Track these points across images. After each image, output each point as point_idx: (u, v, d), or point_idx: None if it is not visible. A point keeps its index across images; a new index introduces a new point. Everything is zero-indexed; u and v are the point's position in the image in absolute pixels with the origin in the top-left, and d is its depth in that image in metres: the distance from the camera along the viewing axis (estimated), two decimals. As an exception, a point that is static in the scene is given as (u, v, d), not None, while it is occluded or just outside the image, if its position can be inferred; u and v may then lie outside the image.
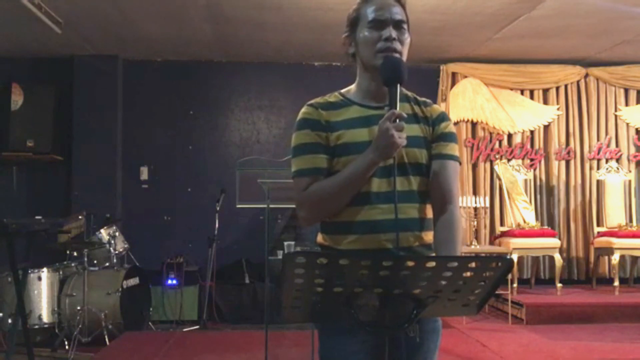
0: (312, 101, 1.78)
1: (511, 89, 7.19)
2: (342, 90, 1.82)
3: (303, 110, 1.77)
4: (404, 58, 1.71)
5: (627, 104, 7.30)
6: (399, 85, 1.62)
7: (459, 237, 1.72)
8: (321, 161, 1.70)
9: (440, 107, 1.84)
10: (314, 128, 1.72)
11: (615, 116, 7.26)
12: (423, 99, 1.83)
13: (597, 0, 5.28)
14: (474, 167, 7.16)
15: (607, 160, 7.15)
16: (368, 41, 1.71)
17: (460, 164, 1.80)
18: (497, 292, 5.76)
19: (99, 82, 6.77)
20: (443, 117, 1.80)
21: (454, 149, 1.77)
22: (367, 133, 1.68)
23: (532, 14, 5.57)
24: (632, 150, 7.25)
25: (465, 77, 7.14)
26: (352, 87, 1.81)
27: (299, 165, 1.72)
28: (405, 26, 1.73)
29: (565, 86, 7.23)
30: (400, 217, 1.62)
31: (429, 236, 1.73)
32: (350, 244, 1.67)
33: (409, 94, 1.80)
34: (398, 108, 1.58)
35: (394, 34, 1.69)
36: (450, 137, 1.77)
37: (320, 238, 1.77)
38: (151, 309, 5.96)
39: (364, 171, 1.62)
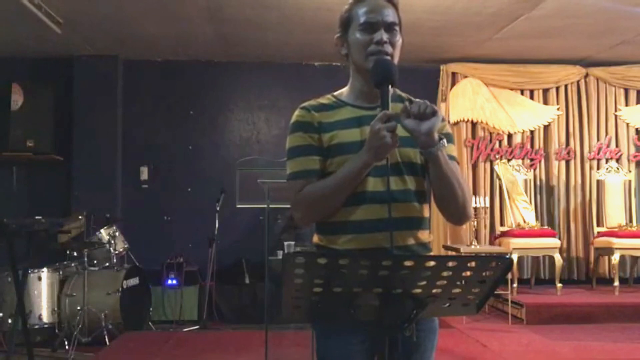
0: (305, 104, 1.79)
1: (511, 89, 7.19)
2: (335, 92, 1.83)
3: (296, 113, 1.78)
4: (396, 60, 1.71)
5: (627, 104, 7.30)
6: (390, 87, 1.62)
7: (466, 193, 1.69)
8: (314, 163, 1.71)
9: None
10: (307, 130, 1.73)
11: (615, 116, 7.26)
12: (417, 100, 1.83)
13: (597, 0, 5.28)
14: (474, 167, 7.15)
15: (607, 160, 7.15)
16: (359, 44, 1.71)
17: (458, 163, 1.80)
18: (497, 292, 5.77)
19: (98, 82, 6.77)
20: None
21: (452, 150, 1.77)
22: (359, 133, 1.68)
23: (532, 14, 5.57)
24: (632, 150, 7.25)
25: (465, 77, 7.14)
26: (345, 88, 1.82)
27: (293, 168, 1.73)
28: (397, 28, 1.73)
29: (565, 86, 7.23)
30: (397, 216, 1.62)
31: (425, 235, 1.73)
32: (346, 243, 1.68)
33: (403, 95, 1.80)
34: (390, 109, 1.58)
35: (385, 37, 1.69)
36: (449, 139, 1.78)
37: (315, 238, 1.78)
38: (151, 309, 5.96)
39: (358, 172, 1.62)
